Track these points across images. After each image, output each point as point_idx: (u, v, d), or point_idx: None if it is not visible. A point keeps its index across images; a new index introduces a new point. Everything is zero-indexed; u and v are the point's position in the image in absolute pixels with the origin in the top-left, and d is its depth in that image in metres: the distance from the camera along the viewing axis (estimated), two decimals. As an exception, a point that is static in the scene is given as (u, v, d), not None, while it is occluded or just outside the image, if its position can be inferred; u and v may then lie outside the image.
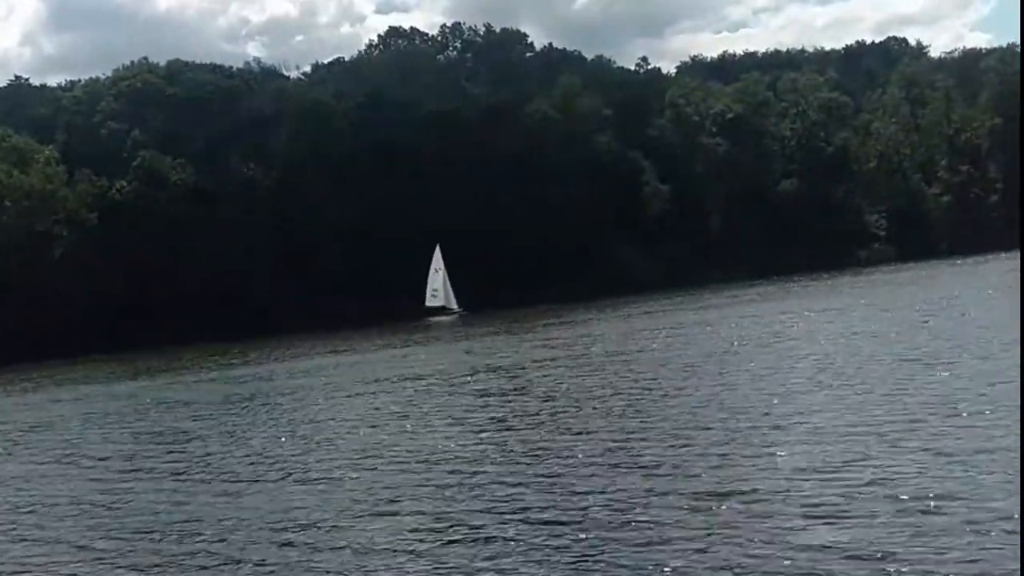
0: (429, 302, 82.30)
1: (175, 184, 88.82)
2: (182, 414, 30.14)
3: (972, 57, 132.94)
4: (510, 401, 25.04)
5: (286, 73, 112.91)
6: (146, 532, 14.89)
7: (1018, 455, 12.89)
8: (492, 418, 22.43)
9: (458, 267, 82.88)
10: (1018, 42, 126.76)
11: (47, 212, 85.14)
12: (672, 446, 16.54)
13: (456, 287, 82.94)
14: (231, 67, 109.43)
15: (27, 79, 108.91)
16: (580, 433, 19.04)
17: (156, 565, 13.12)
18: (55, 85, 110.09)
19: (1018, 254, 52.81)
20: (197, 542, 13.91)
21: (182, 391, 38.92)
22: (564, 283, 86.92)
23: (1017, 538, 9.75)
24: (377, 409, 26.25)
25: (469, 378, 31.68)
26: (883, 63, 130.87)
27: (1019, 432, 13.07)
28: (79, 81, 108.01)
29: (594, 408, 21.91)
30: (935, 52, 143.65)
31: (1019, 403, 14.13)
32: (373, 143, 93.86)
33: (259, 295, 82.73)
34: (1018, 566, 9.13)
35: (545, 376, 29.06)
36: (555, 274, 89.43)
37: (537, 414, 21.87)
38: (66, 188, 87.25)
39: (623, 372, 28.08)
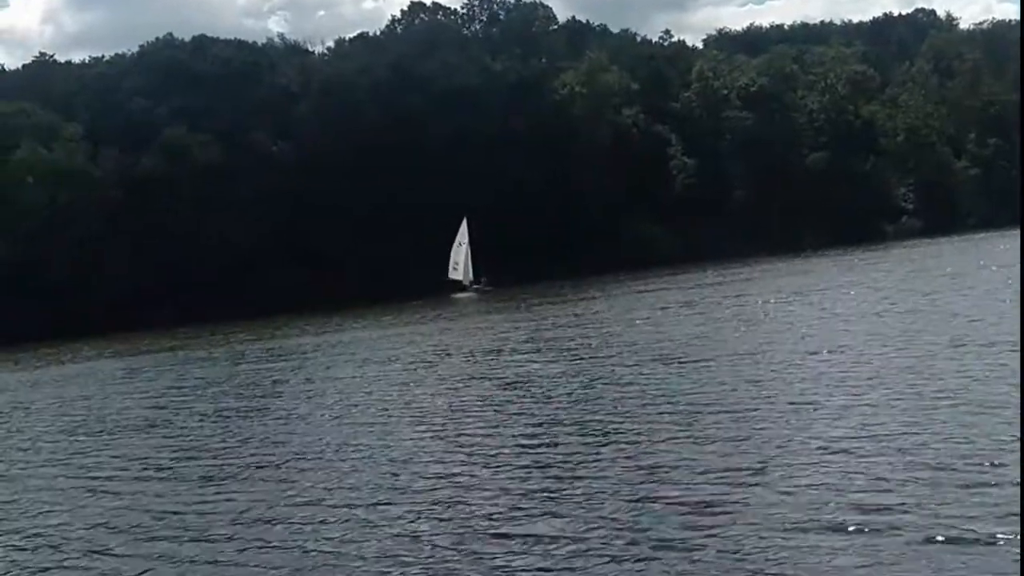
0: (451, 275, 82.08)
1: (200, 161, 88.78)
2: (141, 400, 30.00)
3: (1001, 29, 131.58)
4: (474, 386, 24.68)
5: (310, 48, 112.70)
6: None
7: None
8: (446, 406, 22.14)
9: (483, 242, 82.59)
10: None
11: (72, 189, 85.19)
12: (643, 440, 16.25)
13: (480, 262, 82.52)
14: (255, 42, 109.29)
15: (52, 56, 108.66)
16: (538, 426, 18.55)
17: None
18: (79, 62, 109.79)
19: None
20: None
21: (160, 373, 38.90)
22: (589, 257, 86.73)
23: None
24: (334, 397, 25.79)
25: (455, 361, 31.55)
26: (912, 35, 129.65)
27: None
28: (103, 58, 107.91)
29: (558, 401, 21.23)
30: (964, 24, 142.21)
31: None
32: (397, 118, 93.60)
33: (280, 272, 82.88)
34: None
35: (520, 362, 28.51)
36: (580, 249, 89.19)
37: (498, 404, 21.34)
38: (91, 164, 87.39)
39: (604, 359, 27.29)
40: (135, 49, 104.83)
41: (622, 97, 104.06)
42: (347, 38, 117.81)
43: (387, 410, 22.44)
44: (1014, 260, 44.77)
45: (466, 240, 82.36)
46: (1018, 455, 11.99)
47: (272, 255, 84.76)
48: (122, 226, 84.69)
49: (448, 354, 33.71)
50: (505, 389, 23.53)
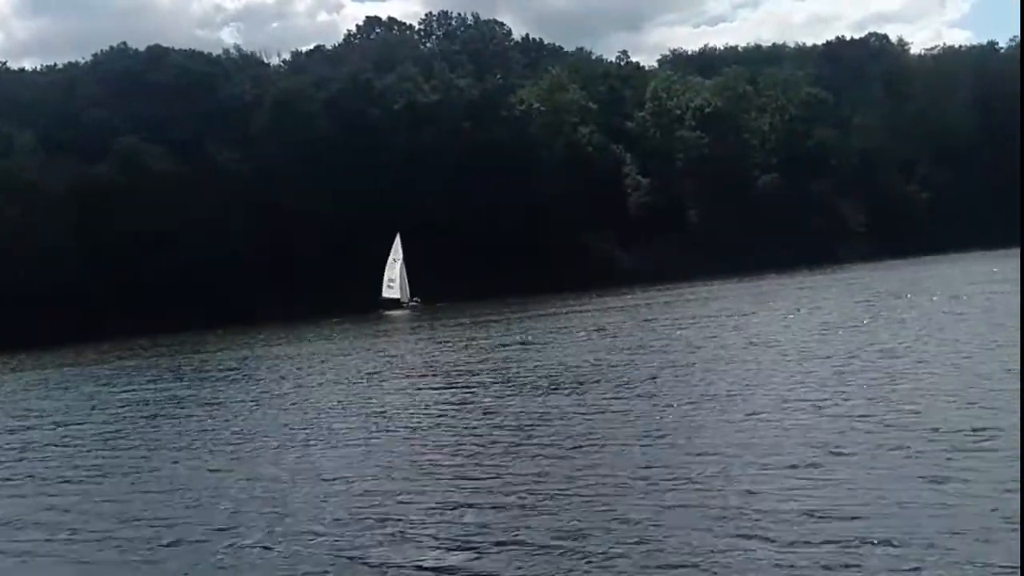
0: (385, 293, 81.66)
1: (155, 171, 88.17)
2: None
3: (951, 54, 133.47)
4: (336, 413, 24.39)
5: (266, 60, 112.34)
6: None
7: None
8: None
9: (436, 258, 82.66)
10: (998, 40, 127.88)
11: (25, 198, 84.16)
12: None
13: (432, 278, 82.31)
14: (210, 53, 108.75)
15: (4, 63, 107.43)
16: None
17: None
18: (31, 70, 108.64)
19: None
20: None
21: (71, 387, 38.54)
22: (545, 274, 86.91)
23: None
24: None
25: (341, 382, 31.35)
26: (864, 59, 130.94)
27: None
28: (57, 66, 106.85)
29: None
30: (915, 49, 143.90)
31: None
32: (354, 132, 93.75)
33: (231, 284, 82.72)
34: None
35: (401, 388, 28.13)
36: (537, 265, 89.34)
37: (355, 434, 20.83)
38: (44, 174, 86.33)
39: (485, 386, 26.67)
40: (88, 58, 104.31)
41: (579, 115, 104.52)
42: (303, 50, 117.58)
43: (256, 437, 21.80)
44: (940, 287, 45.39)
45: (400, 256, 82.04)
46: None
47: (225, 267, 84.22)
48: (76, 236, 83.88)
49: (338, 375, 33.08)
50: (368, 417, 23.08)
